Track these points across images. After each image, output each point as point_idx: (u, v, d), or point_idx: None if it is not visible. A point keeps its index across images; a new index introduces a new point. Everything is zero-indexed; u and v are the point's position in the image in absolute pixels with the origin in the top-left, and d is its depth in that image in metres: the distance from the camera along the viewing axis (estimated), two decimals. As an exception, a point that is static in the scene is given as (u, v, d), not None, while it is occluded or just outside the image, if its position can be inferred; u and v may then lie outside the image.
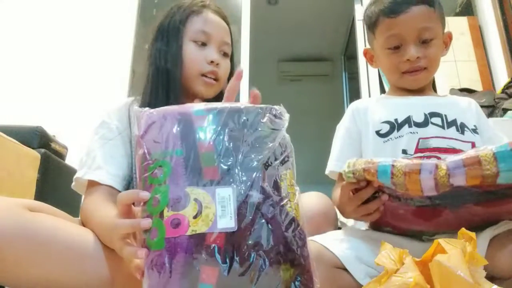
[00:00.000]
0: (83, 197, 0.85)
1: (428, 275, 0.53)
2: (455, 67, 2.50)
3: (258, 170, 0.55)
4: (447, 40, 1.03)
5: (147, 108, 0.59)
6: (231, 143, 0.55)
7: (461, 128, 0.91)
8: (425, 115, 0.93)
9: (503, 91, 2.14)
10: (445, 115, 0.93)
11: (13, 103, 2.35)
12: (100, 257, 0.64)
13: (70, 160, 1.85)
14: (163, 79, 0.90)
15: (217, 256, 0.50)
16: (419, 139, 0.89)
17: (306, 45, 4.18)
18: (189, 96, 0.93)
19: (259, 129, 0.58)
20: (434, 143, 0.88)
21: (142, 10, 2.73)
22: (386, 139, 0.93)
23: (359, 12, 2.76)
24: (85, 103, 2.41)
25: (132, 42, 2.61)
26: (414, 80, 0.98)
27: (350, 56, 3.58)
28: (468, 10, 2.69)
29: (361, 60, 2.65)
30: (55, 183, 1.58)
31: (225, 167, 0.54)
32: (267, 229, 0.53)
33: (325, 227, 0.78)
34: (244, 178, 0.54)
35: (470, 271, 0.51)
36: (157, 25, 0.98)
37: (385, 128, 0.94)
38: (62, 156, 1.83)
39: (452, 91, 2.36)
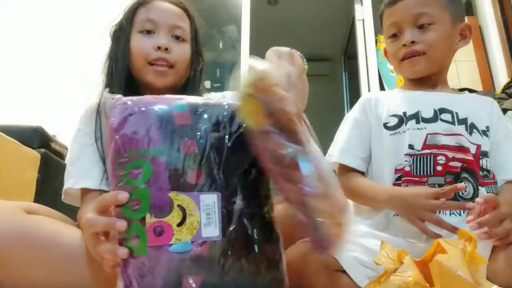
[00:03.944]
0: None
1: (428, 275, 0.54)
2: (455, 67, 2.50)
3: (240, 175, 0.52)
4: (466, 32, 1.00)
5: (119, 96, 0.53)
6: (215, 145, 0.52)
7: (470, 128, 0.90)
8: (435, 111, 0.91)
9: (503, 91, 2.14)
10: (456, 113, 0.91)
11: (13, 103, 2.35)
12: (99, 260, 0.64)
13: (70, 160, 1.85)
14: (114, 74, 0.92)
15: (201, 264, 0.48)
16: (427, 134, 0.88)
17: (306, 45, 4.15)
18: (145, 88, 0.91)
19: (242, 129, 0.53)
20: (442, 140, 0.87)
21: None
22: (392, 132, 0.92)
23: (359, 12, 2.76)
24: (85, 103, 2.41)
25: (132, 42, 2.61)
26: (411, 65, 0.96)
27: (350, 56, 3.58)
28: (468, 10, 2.68)
29: (361, 60, 2.65)
30: (55, 183, 1.57)
31: (209, 171, 0.51)
32: (250, 238, 0.51)
33: None
34: (227, 184, 0.51)
35: (470, 271, 0.51)
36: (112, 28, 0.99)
37: (393, 121, 0.93)
38: (62, 156, 1.82)
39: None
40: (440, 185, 0.84)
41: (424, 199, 0.77)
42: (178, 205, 0.49)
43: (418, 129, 0.90)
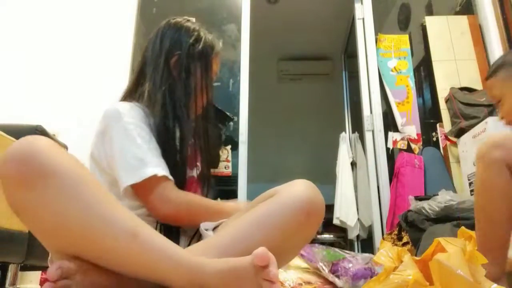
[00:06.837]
0: None
1: (428, 274, 0.53)
2: (455, 66, 2.50)
3: None
4: None
5: None
6: None
7: None
8: None
9: (503, 90, 2.13)
10: None
11: (13, 102, 2.35)
12: (126, 210, 0.65)
13: (70, 159, 1.84)
14: (170, 105, 0.99)
15: None
16: None
17: (306, 44, 4.17)
18: None
19: None
20: None
21: (142, 9, 2.72)
22: None
23: (359, 10, 2.76)
24: (85, 102, 2.41)
25: (131, 41, 2.60)
26: None
27: (350, 54, 3.58)
28: (468, 8, 2.68)
29: (361, 59, 2.65)
30: (55, 182, 1.57)
31: None
32: None
33: (314, 216, 0.75)
34: None
35: (470, 270, 0.51)
36: (180, 40, 1.05)
37: None
38: (62, 155, 1.82)
39: (453, 90, 2.36)
40: None
41: None
42: None
43: None
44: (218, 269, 0.61)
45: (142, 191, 0.88)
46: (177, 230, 0.90)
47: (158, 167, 0.88)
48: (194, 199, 0.94)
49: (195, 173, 1.04)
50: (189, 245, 0.90)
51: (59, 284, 0.57)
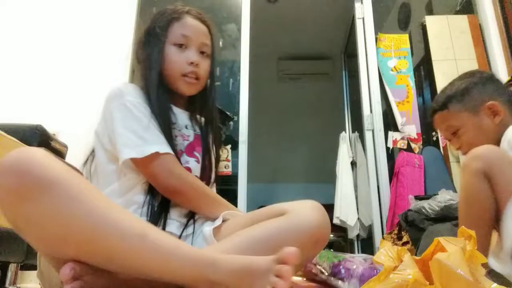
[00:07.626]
0: None
1: (428, 273, 0.54)
2: (455, 65, 2.50)
3: None
4: (492, 109, 1.12)
5: None
6: None
7: None
8: None
9: (503, 90, 2.13)
10: None
11: (13, 102, 2.35)
12: (130, 213, 0.66)
13: (70, 159, 1.84)
14: (147, 79, 1.00)
15: None
16: None
17: (306, 44, 4.17)
18: (175, 92, 1.04)
19: None
20: None
21: (142, 10, 2.72)
22: None
23: (359, 10, 2.76)
24: (85, 102, 2.41)
25: (131, 41, 2.60)
26: None
27: (350, 54, 3.58)
28: (468, 8, 2.68)
29: (361, 58, 2.65)
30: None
31: None
32: None
33: (322, 242, 0.80)
34: None
35: (470, 270, 0.51)
36: (144, 30, 1.07)
37: None
38: (62, 155, 1.82)
39: (452, 90, 2.36)
40: None
41: None
42: None
43: None
44: (231, 265, 0.62)
45: (144, 165, 0.90)
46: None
47: (160, 144, 0.90)
48: (197, 180, 0.96)
49: (192, 164, 1.02)
50: None
51: (71, 285, 0.57)
